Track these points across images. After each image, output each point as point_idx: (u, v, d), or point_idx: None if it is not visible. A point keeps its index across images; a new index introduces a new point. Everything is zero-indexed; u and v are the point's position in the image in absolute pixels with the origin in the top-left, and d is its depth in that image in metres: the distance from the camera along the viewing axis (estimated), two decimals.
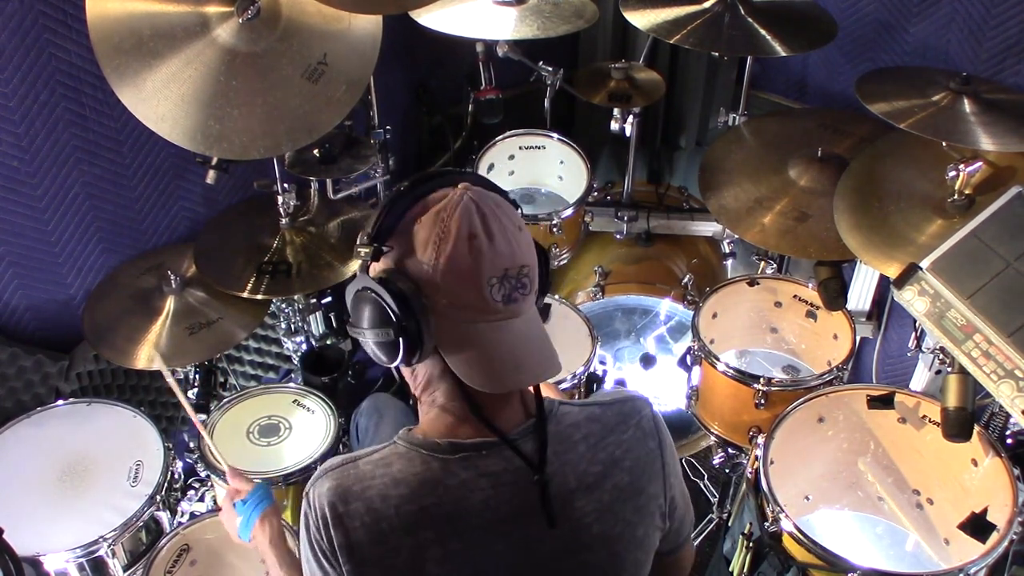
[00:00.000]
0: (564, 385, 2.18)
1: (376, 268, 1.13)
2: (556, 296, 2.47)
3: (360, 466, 1.15)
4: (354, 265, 2.27)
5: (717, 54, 2.67)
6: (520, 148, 2.77)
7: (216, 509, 2.13)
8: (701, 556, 2.56)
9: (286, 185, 2.28)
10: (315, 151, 2.27)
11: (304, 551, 1.18)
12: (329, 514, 1.12)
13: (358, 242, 1.12)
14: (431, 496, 1.12)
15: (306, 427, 2.23)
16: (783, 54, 2.28)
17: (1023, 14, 2.26)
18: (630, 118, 2.61)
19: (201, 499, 2.23)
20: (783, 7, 2.43)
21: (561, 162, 2.79)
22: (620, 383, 2.59)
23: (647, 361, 2.61)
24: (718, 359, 2.20)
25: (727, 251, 2.69)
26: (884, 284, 2.64)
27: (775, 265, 2.55)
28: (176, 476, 2.15)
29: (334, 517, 1.12)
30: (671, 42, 2.32)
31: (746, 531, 1.90)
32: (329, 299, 2.54)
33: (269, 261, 2.29)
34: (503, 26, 2.45)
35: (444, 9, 2.43)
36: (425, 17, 2.39)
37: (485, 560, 1.14)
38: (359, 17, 2.06)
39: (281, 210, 2.32)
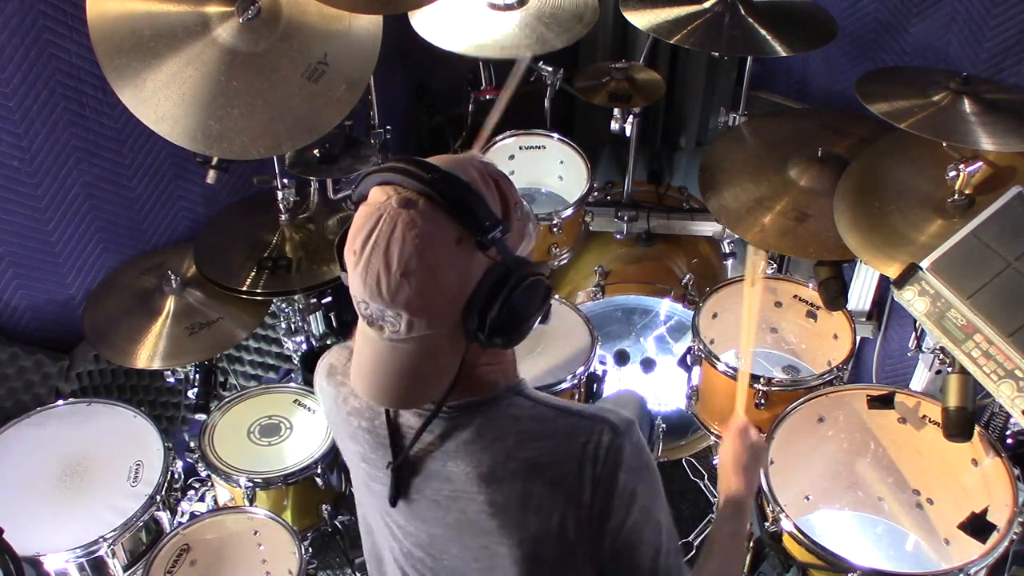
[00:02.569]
0: (564, 385, 2.18)
1: None
2: (556, 296, 2.47)
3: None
4: None
5: (717, 54, 2.67)
6: (520, 148, 2.77)
7: (216, 508, 2.14)
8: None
9: (285, 180, 2.28)
10: (315, 151, 2.27)
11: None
12: (320, 382, 1.32)
13: None
14: (379, 419, 1.20)
15: (307, 427, 2.23)
16: (783, 54, 2.28)
17: (1023, 14, 2.26)
18: (630, 118, 2.61)
19: (201, 499, 2.23)
20: (783, 7, 2.43)
21: (561, 162, 2.79)
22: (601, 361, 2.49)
23: (647, 365, 2.60)
24: (718, 359, 2.20)
25: (727, 251, 2.69)
26: (884, 284, 2.64)
27: (775, 265, 2.55)
28: (176, 476, 2.15)
29: (320, 385, 1.32)
30: (671, 42, 2.32)
31: None
32: (329, 299, 2.54)
33: (269, 256, 2.29)
34: (501, 38, 2.43)
35: (443, 21, 2.42)
36: (422, 27, 2.38)
37: (399, 497, 1.21)
38: (359, 17, 2.06)
39: (281, 206, 2.32)
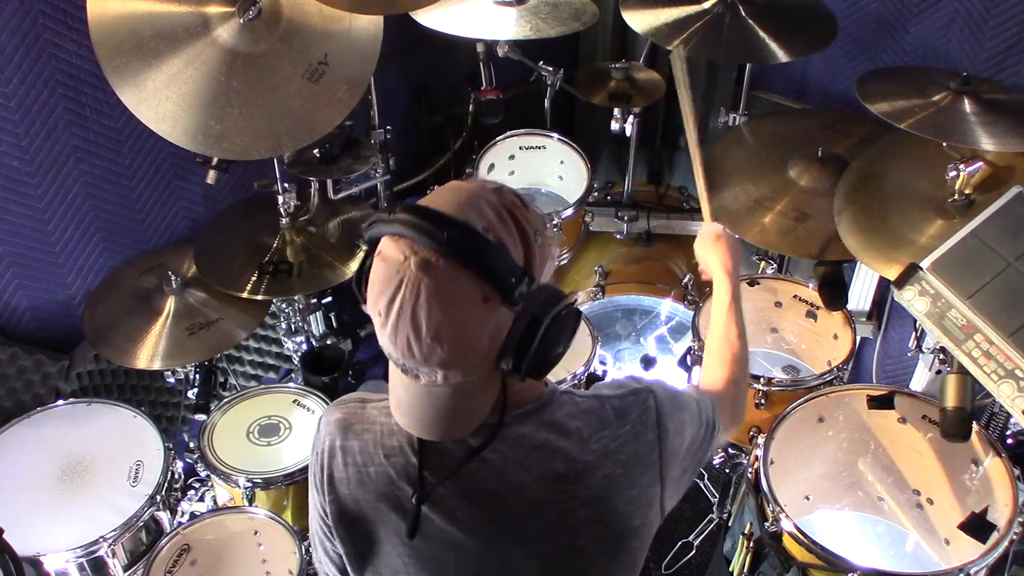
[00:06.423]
0: (564, 385, 2.18)
1: None
2: None
3: (367, 408, 1.20)
4: (355, 264, 2.29)
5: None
6: (520, 148, 2.77)
7: (216, 508, 2.14)
8: (701, 556, 2.56)
9: (286, 185, 2.28)
10: (315, 151, 2.27)
11: (309, 475, 1.24)
12: (327, 444, 1.20)
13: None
14: (418, 455, 1.15)
15: (306, 427, 2.23)
16: (783, 60, 2.27)
17: (1023, 14, 2.26)
18: (630, 118, 2.62)
19: (201, 499, 2.23)
20: (784, 7, 2.43)
21: (561, 162, 2.79)
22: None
23: (647, 363, 2.60)
24: None
25: None
26: (884, 284, 2.64)
27: (775, 265, 2.55)
28: (176, 476, 2.15)
29: (330, 447, 1.19)
30: (669, 48, 2.31)
31: (746, 531, 1.91)
32: (329, 299, 2.54)
33: (270, 261, 2.29)
34: (503, 27, 2.45)
35: (444, 9, 2.43)
36: (425, 17, 2.39)
37: (453, 528, 1.15)
38: (359, 17, 2.07)
39: (281, 210, 2.32)
